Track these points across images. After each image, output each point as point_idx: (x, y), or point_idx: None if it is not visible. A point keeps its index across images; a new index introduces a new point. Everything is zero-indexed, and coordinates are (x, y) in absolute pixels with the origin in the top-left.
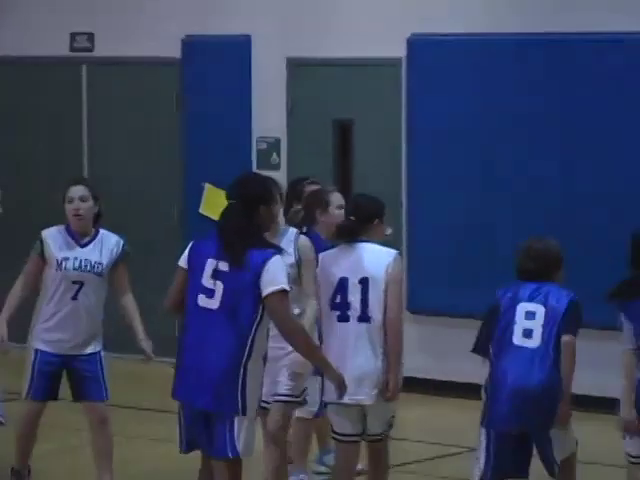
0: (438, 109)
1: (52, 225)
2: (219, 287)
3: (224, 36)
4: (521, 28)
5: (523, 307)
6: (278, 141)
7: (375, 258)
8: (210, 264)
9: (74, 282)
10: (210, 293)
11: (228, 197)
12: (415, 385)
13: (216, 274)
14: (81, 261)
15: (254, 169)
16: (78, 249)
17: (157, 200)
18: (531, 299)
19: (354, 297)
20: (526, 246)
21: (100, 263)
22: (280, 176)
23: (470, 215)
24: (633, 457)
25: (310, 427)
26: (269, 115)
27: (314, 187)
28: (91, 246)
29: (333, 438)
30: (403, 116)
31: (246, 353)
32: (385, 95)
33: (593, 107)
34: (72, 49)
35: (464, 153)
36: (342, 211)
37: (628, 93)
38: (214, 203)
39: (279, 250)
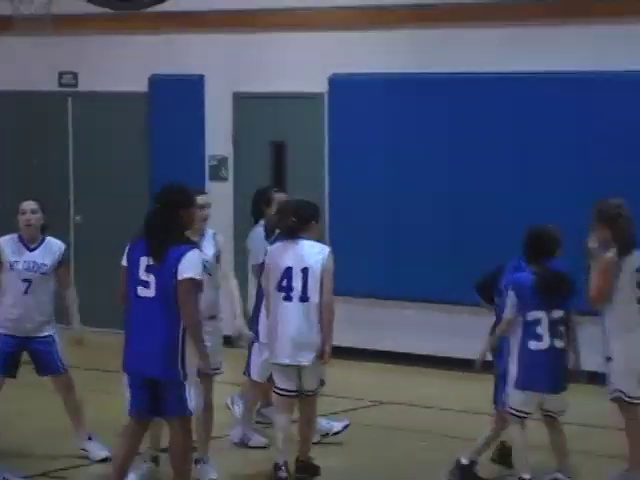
0: (353, 133)
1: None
2: (152, 279)
3: (183, 75)
4: (424, 69)
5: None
6: (226, 159)
7: (313, 253)
8: (143, 261)
9: (24, 280)
10: (146, 284)
11: (154, 202)
12: (338, 352)
13: (148, 269)
14: (29, 263)
15: (207, 181)
16: (27, 253)
17: (131, 205)
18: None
19: (297, 282)
20: None
21: (45, 264)
22: (227, 186)
23: (379, 217)
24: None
25: (260, 389)
26: (218, 137)
27: (280, 194)
28: (37, 251)
29: (274, 392)
30: (326, 138)
31: (180, 329)
32: (311, 122)
33: (484, 134)
34: (60, 85)
35: (374, 168)
36: None
37: (520, 123)
38: None
39: (195, 245)
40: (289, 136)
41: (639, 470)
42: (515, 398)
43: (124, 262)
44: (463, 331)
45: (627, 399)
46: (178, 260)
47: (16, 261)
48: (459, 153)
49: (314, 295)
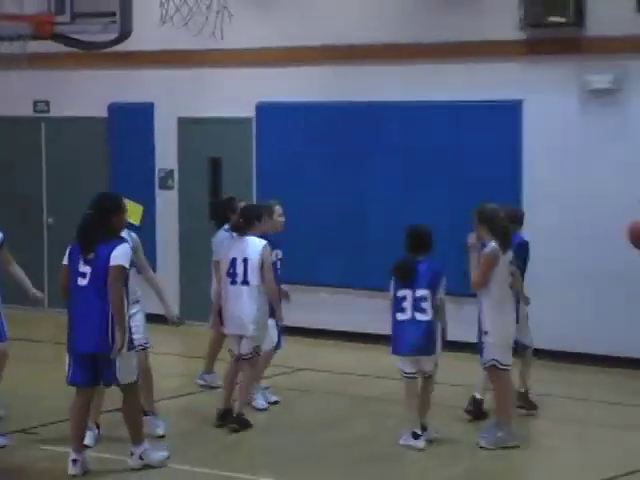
0: (275, 149)
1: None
2: (88, 270)
3: (136, 103)
4: (335, 98)
5: None
6: (172, 171)
7: (253, 246)
8: (82, 256)
9: None
10: (84, 275)
11: (89, 209)
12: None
13: (86, 262)
14: None
15: (156, 190)
16: None
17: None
18: None
19: (240, 270)
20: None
21: None
22: (173, 194)
23: (298, 219)
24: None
25: (270, 357)
26: (166, 154)
27: (242, 203)
28: None
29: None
30: (254, 154)
31: (110, 311)
32: (242, 142)
33: (379, 151)
34: (35, 111)
35: (292, 178)
36: (282, 218)
37: (386, 143)
38: (130, 212)
39: (124, 240)
40: (224, 153)
41: (505, 422)
42: (397, 362)
43: (65, 261)
44: (367, 311)
45: (500, 366)
46: (111, 251)
47: None
48: (360, 166)
49: (253, 280)
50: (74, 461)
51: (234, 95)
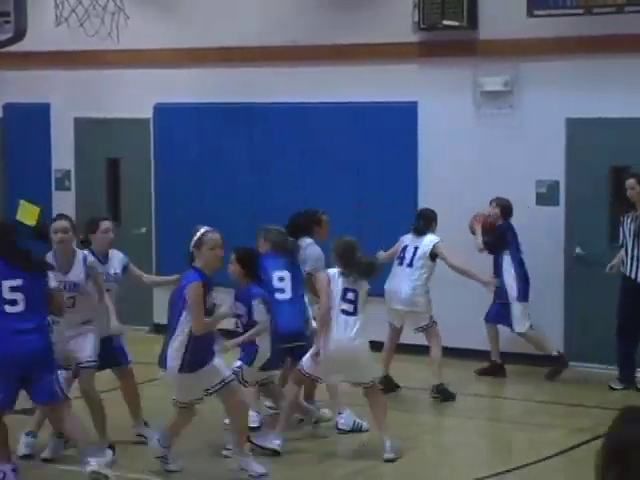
0: (172, 150)
1: None
2: (20, 296)
3: (33, 103)
4: (228, 99)
5: None
6: (69, 172)
7: None
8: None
9: None
10: (13, 302)
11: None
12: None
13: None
14: None
15: (53, 190)
16: None
17: None
18: None
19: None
20: None
21: None
22: (70, 195)
23: (195, 217)
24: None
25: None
26: (63, 155)
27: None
28: None
29: None
30: (152, 155)
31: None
32: (140, 142)
33: (272, 150)
34: None
35: (189, 177)
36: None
37: (290, 144)
38: (26, 213)
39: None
40: (122, 154)
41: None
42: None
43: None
44: None
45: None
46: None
47: None
48: (258, 167)
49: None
50: None
51: (131, 96)
